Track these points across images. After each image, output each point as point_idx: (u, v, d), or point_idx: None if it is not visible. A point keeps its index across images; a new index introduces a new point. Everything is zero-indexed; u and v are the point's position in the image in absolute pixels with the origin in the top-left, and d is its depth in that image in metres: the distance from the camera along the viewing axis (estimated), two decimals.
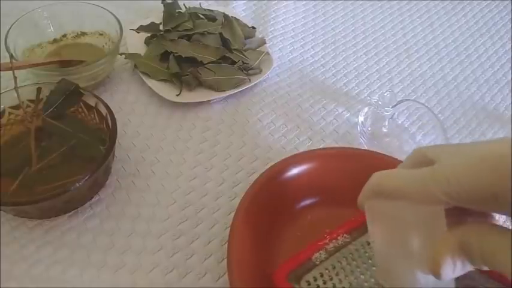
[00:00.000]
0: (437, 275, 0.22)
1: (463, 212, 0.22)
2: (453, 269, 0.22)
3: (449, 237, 0.22)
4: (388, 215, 0.25)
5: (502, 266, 0.20)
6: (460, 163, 0.21)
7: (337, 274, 0.33)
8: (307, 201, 0.41)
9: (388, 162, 0.42)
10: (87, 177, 0.36)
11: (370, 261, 0.33)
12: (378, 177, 0.25)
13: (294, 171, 0.41)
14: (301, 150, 0.48)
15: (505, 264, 0.19)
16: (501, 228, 0.21)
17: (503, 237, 0.20)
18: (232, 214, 0.36)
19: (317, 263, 0.34)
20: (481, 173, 0.20)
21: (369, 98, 0.55)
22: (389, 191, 0.24)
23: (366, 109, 0.50)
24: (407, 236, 0.25)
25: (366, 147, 0.47)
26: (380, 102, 0.50)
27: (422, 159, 0.24)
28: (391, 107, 0.50)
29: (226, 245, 0.35)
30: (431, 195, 0.21)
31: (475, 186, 0.20)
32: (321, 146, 0.49)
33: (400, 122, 0.53)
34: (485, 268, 0.21)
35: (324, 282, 0.32)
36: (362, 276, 0.32)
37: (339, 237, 0.35)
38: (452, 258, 0.22)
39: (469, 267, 0.22)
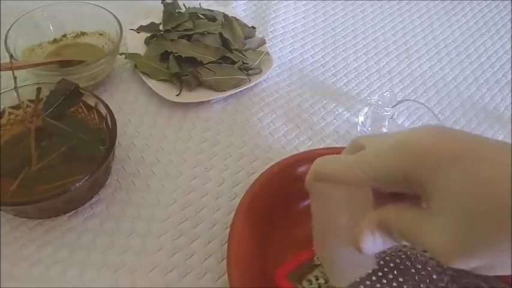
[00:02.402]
0: (358, 248, 0.24)
1: (397, 197, 0.24)
2: (374, 243, 0.24)
3: (371, 215, 0.24)
4: (325, 196, 0.27)
5: (417, 238, 0.22)
6: (378, 148, 0.24)
7: None
8: (307, 201, 0.41)
9: None
10: (87, 177, 0.36)
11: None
12: (318, 162, 0.27)
13: (294, 171, 0.41)
14: (301, 150, 0.48)
15: (420, 236, 0.22)
16: (417, 206, 0.23)
17: (418, 213, 0.22)
18: (232, 214, 0.36)
19: (318, 262, 0.34)
20: (390, 156, 0.23)
21: (369, 98, 0.55)
22: (326, 174, 0.26)
23: (366, 109, 0.50)
24: (337, 215, 0.27)
25: None
26: (380, 102, 0.50)
27: (357, 146, 0.26)
28: (391, 107, 0.50)
29: (226, 245, 0.35)
30: (357, 178, 0.24)
31: (387, 168, 0.23)
32: (321, 146, 0.49)
33: (400, 122, 0.53)
34: (404, 242, 0.24)
35: (326, 282, 0.32)
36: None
37: None
38: (372, 233, 0.24)
39: (390, 243, 0.24)
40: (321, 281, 0.32)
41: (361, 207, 0.25)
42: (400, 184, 0.23)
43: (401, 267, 0.33)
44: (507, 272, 0.21)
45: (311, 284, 0.32)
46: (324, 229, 0.29)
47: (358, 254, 0.25)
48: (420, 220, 0.22)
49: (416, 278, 0.32)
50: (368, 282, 0.32)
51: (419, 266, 0.33)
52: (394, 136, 0.23)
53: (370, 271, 0.32)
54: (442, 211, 0.21)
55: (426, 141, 0.22)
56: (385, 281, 0.32)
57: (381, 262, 0.33)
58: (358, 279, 0.32)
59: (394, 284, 0.32)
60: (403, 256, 0.33)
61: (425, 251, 0.33)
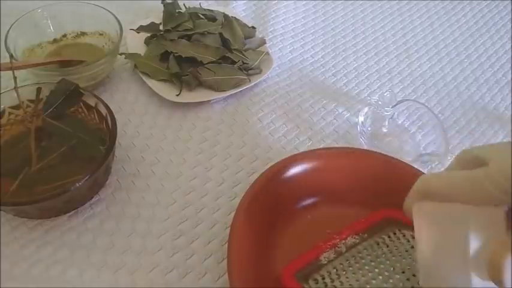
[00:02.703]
0: (499, 280, 0.20)
1: None
2: None
3: (510, 240, 0.21)
4: (440, 216, 0.24)
5: None
6: (508, 158, 0.20)
7: (344, 272, 0.33)
8: (307, 201, 0.41)
9: (387, 162, 0.42)
10: (87, 177, 0.36)
11: (378, 259, 0.33)
12: (426, 179, 0.24)
13: (294, 171, 0.41)
14: (301, 150, 0.48)
15: None
16: None
17: None
18: (232, 214, 0.36)
19: (325, 262, 0.34)
20: None
21: (369, 98, 0.55)
22: (441, 191, 0.23)
23: (366, 109, 0.50)
24: (461, 237, 0.23)
25: (365, 147, 0.47)
26: (380, 102, 0.50)
27: (472, 160, 0.24)
28: (391, 107, 0.50)
29: (226, 245, 0.35)
30: (487, 193, 0.21)
31: None
32: (321, 146, 0.49)
33: (400, 122, 0.53)
34: None
35: (332, 281, 0.32)
36: (370, 274, 0.32)
37: (348, 238, 0.35)
38: None
39: None
40: (327, 280, 0.32)
41: (492, 229, 0.22)
42: None
43: (408, 267, 0.32)
44: None
45: (317, 283, 0.32)
46: (443, 255, 0.24)
47: (489, 284, 0.22)
48: None
49: None
50: (374, 281, 0.31)
51: None
52: None
53: (380, 261, 0.31)
54: None
55: None
56: (391, 281, 0.31)
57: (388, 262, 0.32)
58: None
59: (401, 285, 0.31)
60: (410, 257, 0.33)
61: None
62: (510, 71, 0.62)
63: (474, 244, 0.23)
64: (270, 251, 0.37)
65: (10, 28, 0.47)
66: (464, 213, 0.23)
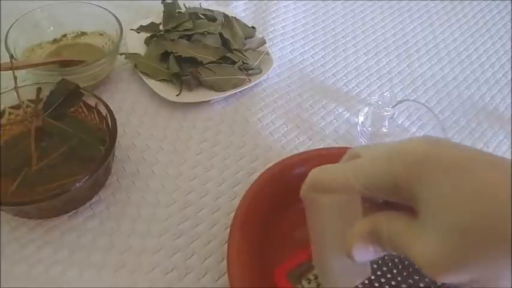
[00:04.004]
0: (350, 256, 0.24)
1: (389, 207, 0.24)
2: (365, 252, 0.24)
3: (362, 223, 0.24)
4: (318, 205, 0.27)
5: (405, 249, 0.22)
6: (373, 156, 0.24)
7: None
8: None
9: None
10: (87, 177, 0.36)
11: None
12: (313, 172, 0.27)
13: (294, 171, 0.41)
14: (301, 150, 0.48)
15: (408, 247, 0.21)
16: (408, 216, 0.22)
17: (408, 223, 0.22)
18: (232, 214, 0.36)
19: None
20: (383, 163, 0.22)
21: (369, 98, 0.55)
22: (320, 183, 0.26)
23: (366, 109, 0.50)
24: (329, 224, 0.27)
25: None
26: (380, 102, 0.50)
27: (353, 155, 0.26)
28: (391, 107, 0.50)
29: (226, 245, 0.35)
30: (350, 186, 0.24)
31: (380, 176, 0.22)
32: (321, 146, 0.49)
33: (400, 122, 0.53)
34: (394, 253, 0.23)
35: None
36: None
37: None
38: (364, 241, 0.24)
39: (381, 252, 0.24)
40: (320, 280, 0.33)
41: (350, 216, 0.25)
42: (392, 193, 0.22)
43: (400, 266, 0.33)
44: None
45: (310, 282, 0.32)
46: (318, 239, 0.29)
47: (352, 263, 0.25)
48: (410, 230, 0.22)
49: (416, 277, 0.32)
50: (366, 281, 0.32)
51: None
52: (390, 145, 0.23)
53: (365, 279, 0.32)
54: (431, 222, 0.20)
55: (420, 150, 0.21)
56: (383, 280, 0.32)
57: (379, 261, 0.33)
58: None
59: (393, 283, 0.32)
60: (401, 255, 0.33)
61: None
62: (510, 71, 0.62)
63: (334, 227, 0.26)
64: (270, 251, 0.37)
65: (10, 28, 0.47)
66: (329, 201, 0.26)
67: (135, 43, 0.55)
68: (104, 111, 0.41)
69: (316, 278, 0.33)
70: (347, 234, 0.24)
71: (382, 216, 0.24)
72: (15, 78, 0.41)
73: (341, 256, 0.25)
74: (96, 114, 0.43)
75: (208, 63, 0.51)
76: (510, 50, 0.66)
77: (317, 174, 0.27)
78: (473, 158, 0.21)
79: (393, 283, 0.32)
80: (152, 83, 0.50)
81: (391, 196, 0.23)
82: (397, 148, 0.22)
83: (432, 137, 0.22)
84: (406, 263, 0.33)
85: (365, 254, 0.24)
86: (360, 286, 0.32)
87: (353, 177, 0.24)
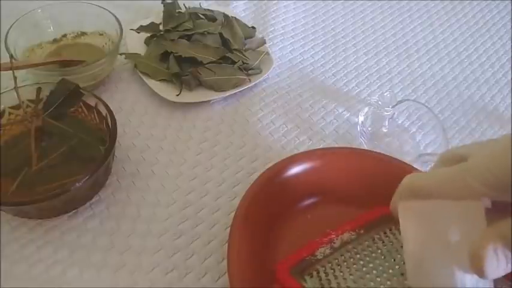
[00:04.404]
0: (480, 270, 0.21)
1: (505, 210, 0.22)
2: (496, 263, 0.21)
3: (490, 231, 0.21)
4: (424, 213, 0.25)
5: None
6: (488, 153, 0.21)
7: (339, 267, 0.33)
8: (307, 201, 0.41)
9: (388, 162, 0.42)
10: (87, 177, 0.36)
11: (373, 254, 0.33)
12: (412, 178, 0.25)
13: (294, 171, 0.41)
14: (301, 150, 0.48)
15: None
16: None
17: None
18: (232, 214, 0.36)
19: (320, 257, 0.34)
20: (505, 157, 0.20)
21: (369, 98, 0.55)
22: (425, 189, 0.24)
23: (366, 109, 0.50)
24: (445, 233, 0.24)
25: (366, 147, 0.47)
26: (380, 102, 0.50)
27: (454, 157, 0.24)
28: (391, 107, 0.50)
29: (226, 245, 0.35)
30: (469, 188, 0.21)
31: (503, 171, 0.20)
32: (321, 146, 0.49)
33: (400, 122, 0.53)
34: None
35: (327, 275, 0.32)
36: (364, 269, 0.32)
37: (344, 234, 0.35)
38: (494, 251, 0.21)
39: None
40: (322, 275, 0.33)
41: (472, 222, 0.22)
42: None
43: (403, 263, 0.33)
44: None
45: (312, 277, 0.32)
46: (428, 253, 0.25)
47: (473, 281, 0.22)
48: None
49: None
50: (379, 279, 0.31)
51: None
52: (502, 139, 0.21)
53: (376, 258, 0.31)
54: None
55: None
56: (389, 280, 0.32)
57: (392, 259, 0.33)
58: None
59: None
60: None
61: None
62: (510, 71, 0.62)
63: (456, 238, 0.23)
64: (270, 251, 0.37)
65: (10, 28, 0.47)
66: (446, 209, 0.23)
67: (135, 43, 0.55)
68: (104, 111, 0.41)
69: (318, 273, 0.33)
70: (472, 246, 0.21)
71: None
72: (15, 78, 0.41)
73: (461, 272, 0.23)
74: (96, 114, 0.43)
75: (208, 63, 0.51)
76: (510, 50, 0.66)
77: (415, 180, 0.25)
78: None
79: None
80: (152, 83, 0.50)
81: None
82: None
83: None
84: None
85: (497, 269, 0.21)
86: None
87: (472, 177, 0.21)
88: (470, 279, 0.23)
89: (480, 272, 0.21)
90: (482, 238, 0.21)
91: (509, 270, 0.21)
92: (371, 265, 0.33)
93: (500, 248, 0.21)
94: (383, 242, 0.34)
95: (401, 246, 0.33)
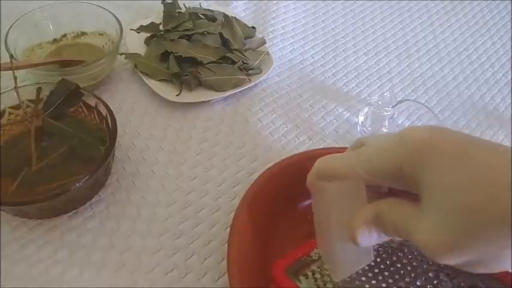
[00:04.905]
0: (354, 241, 0.25)
1: (393, 195, 0.25)
2: (369, 237, 0.25)
3: (366, 209, 0.25)
4: (323, 193, 0.28)
5: (408, 233, 0.22)
6: (378, 144, 0.25)
7: None
8: (307, 201, 0.41)
9: None
10: (87, 177, 0.36)
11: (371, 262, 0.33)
12: (320, 160, 0.28)
13: (294, 171, 0.41)
14: (301, 150, 0.48)
15: (411, 231, 0.22)
16: (411, 202, 0.23)
17: (411, 208, 0.23)
18: (232, 214, 0.36)
19: (315, 258, 0.34)
20: (387, 150, 0.23)
21: (369, 98, 0.55)
22: (326, 171, 0.27)
23: (366, 109, 0.50)
24: (333, 210, 0.28)
25: None
26: (380, 102, 0.50)
27: (359, 145, 0.27)
28: (391, 107, 0.50)
29: (226, 245, 0.35)
30: (355, 173, 0.24)
31: (384, 162, 0.23)
32: (321, 146, 0.49)
33: (400, 122, 0.53)
34: (398, 238, 0.24)
35: (322, 276, 0.32)
36: (359, 271, 0.32)
37: None
38: (368, 226, 0.25)
39: (385, 237, 0.25)
40: (317, 275, 0.33)
41: (355, 202, 0.26)
42: (395, 179, 0.23)
43: (398, 264, 0.33)
44: (492, 270, 0.21)
45: (307, 278, 0.32)
46: (323, 225, 0.29)
47: (355, 248, 0.26)
48: (412, 215, 0.23)
49: (412, 275, 0.32)
50: (364, 278, 0.32)
51: (416, 264, 0.33)
52: (394, 133, 0.24)
53: (367, 264, 0.32)
54: (433, 206, 0.21)
55: (423, 136, 0.22)
56: (381, 278, 0.32)
57: (378, 259, 0.33)
58: (354, 275, 0.32)
59: (390, 281, 0.32)
60: (399, 254, 0.33)
61: None
62: (510, 71, 0.62)
63: (339, 213, 0.27)
64: (270, 251, 0.37)
65: (10, 28, 0.47)
66: (337, 189, 0.27)
67: (135, 43, 0.55)
68: (104, 111, 0.41)
69: (313, 273, 0.33)
70: (351, 220, 0.25)
71: (385, 202, 0.24)
72: (15, 78, 0.41)
73: (346, 242, 0.26)
74: (96, 114, 0.43)
75: (208, 63, 0.51)
76: (510, 50, 0.66)
77: (323, 162, 0.27)
78: (474, 144, 0.21)
79: (390, 281, 0.32)
80: (152, 83, 0.50)
81: (395, 182, 0.24)
82: (400, 135, 0.23)
83: (435, 125, 0.23)
84: (405, 261, 0.33)
85: (369, 239, 0.25)
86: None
87: (358, 164, 0.24)
88: (352, 250, 0.28)
89: (355, 242, 0.25)
90: (358, 214, 0.25)
91: (381, 240, 0.25)
92: (366, 267, 0.33)
93: (373, 223, 0.25)
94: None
95: (396, 247, 0.34)
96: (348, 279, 0.32)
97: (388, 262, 0.33)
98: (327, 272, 0.33)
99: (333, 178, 0.27)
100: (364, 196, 0.26)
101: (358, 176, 0.24)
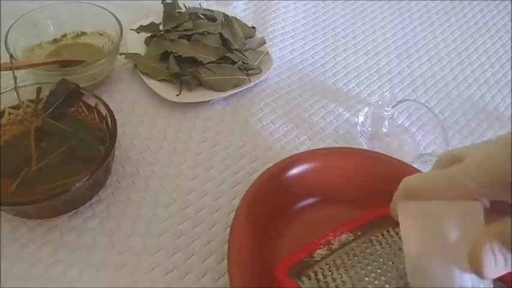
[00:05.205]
0: (478, 270, 0.21)
1: (503, 209, 0.22)
2: (494, 262, 0.21)
3: (488, 230, 0.22)
4: (423, 214, 0.25)
5: None
6: (484, 151, 0.22)
7: (337, 269, 0.33)
8: (307, 201, 0.41)
9: (387, 162, 0.42)
10: (87, 177, 0.36)
11: (371, 256, 0.33)
12: (410, 180, 0.25)
13: (294, 171, 0.41)
14: (301, 150, 0.48)
15: None
16: None
17: None
18: (232, 214, 0.36)
19: (318, 259, 0.34)
20: (501, 154, 0.20)
21: (369, 98, 0.55)
22: (423, 191, 0.24)
23: (366, 109, 0.50)
24: (444, 233, 0.24)
25: (366, 147, 0.47)
26: (380, 102, 0.50)
27: (451, 159, 0.25)
28: (391, 107, 0.50)
29: (226, 245, 0.35)
30: (465, 188, 0.22)
31: (498, 168, 0.20)
32: (321, 146, 0.49)
33: (400, 122, 0.53)
34: None
35: (325, 277, 0.32)
36: (363, 271, 0.32)
37: (342, 235, 0.35)
38: (492, 250, 0.21)
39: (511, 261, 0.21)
40: (320, 276, 0.32)
41: (471, 222, 0.22)
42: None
43: (401, 266, 0.33)
44: None
45: (310, 279, 0.32)
46: (427, 253, 0.25)
47: (473, 281, 0.22)
48: None
49: None
50: (367, 278, 0.32)
51: None
52: (501, 137, 0.22)
53: (373, 259, 0.31)
54: None
55: None
56: (383, 279, 0.32)
57: (382, 259, 0.33)
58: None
59: (394, 282, 0.31)
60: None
61: None
62: (510, 71, 0.62)
63: (455, 238, 0.24)
64: (270, 251, 0.37)
65: (10, 28, 0.47)
66: (445, 209, 0.24)
67: (135, 43, 0.55)
68: (104, 111, 0.41)
69: (316, 275, 0.33)
70: (470, 245, 0.22)
71: (510, 219, 0.21)
72: (15, 78, 0.41)
73: (460, 272, 0.23)
74: (96, 114, 0.43)
75: (208, 63, 0.51)
76: (510, 50, 0.66)
77: (413, 180, 0.25)
78: None
79: None
80: (152, 83, 0.50)
81: None
82: (505, 138, 0.21)
83: None
84: None
85: (495, 267, 0.21)
86: None
87: (465, 177, 0.22)
88: (469, 279, 0.23)
89: (479, 272, 0.21)
90: (480, 237, 0.21)
91: (508, 270, 0.21)
92: (369, 267, 0.32)
93: (498, 248, 0.21)
94: (380, 244, 0.34)
95: (400, 249, 0.33)
96: (359, 281, 0.31)
97: (391, 263, 0.33)
98: (330, 273, 0.33)
99: (429, 197, 0.24)
100: (482, 216, 0.23)
101: (467, 189, 0.22)
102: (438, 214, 0.24)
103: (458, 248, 0.23)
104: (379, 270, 0.32)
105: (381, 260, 0.33)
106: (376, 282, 0.31)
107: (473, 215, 0.23)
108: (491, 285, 0.24)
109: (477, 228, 0.22)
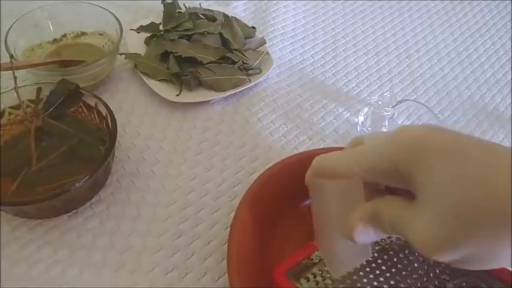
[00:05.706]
0: (351, 238, 0.25)
1: (390, 193, 0.26)
2: (366, 234, 0.25)
3: (364, 207, 0.25)
4: (321, 190, 0.28)
5: (403, 230, 0.23)
6: (374, 142, 0.25)
7: None
8: (307, 201, 0.41)
9: None
10: (87, 177, 0.36)
11: (370, 259, 0.33)
12: (318, 158, 0.28)
13: (294, 171, 0.41)
14: (301, 150, 0.48)
15: (406, 228, 0.22)
16: (407, 200, 0.23)
17: (407, 206, 0.23)
18: (232, 214, 0.36)
19: (316, 261, 0.34)
20: (384, 148, 0.23)
21: (369, 98, 0.55)
22: (324, 169, 0.27)
23: (366, 109, 0.50)
24: (331, 208, 0.28)
25: None
26: (380, 102, 0.50)
27: (357, 143, 0.28)
28: (391, 107, 0.50)
29: (226, 245, 0.35)
30: (352, 171, 0.25)
31: (380, 160, 0.23)
32: (321, 146, 0.49)
33: (400, 122, 0.53)
34: (395, 235, 0.26)
35: (323, 279, 0.32)
36: (361, 273, 0.32)
37: None
38: (364, 224, 0.25)
39: (382, 234, 0.25)
40: (319, 278, 0.33)
41: (353, 200, 0.26)
42: (391, 177, 0.23)
43: (399, 265, 0.33)
44: (486, 267, 0.22)
45: (309, 281, 0.32)
46: (321, 222, 0.30)
47: (353, 245, 0.26)
48: (408, 213, 0.23)
49: (414, 276, 0.32)
50: (365, 280, 0.32)
51: (417, 265, 0.33)
52: (390, 132, 0.24)
53: (365, 260, 0.32)
54: (427, 204, 0.21)
55: (419, 135, 0.22)
56: (382, 279, 0.32)
57: (379, 260, 0.33)
58: (355, 276, 0.32)
59: (392, 282, 0.32)
60: (401, 255, 0.33)
61: None
62: (510, 71, 0.62)
63: (337, 211, 0.27)
64: (270, 251, 0.37)
65: (10, 28, 0.47)
66: (335, 186, 0.27)
67: (135, 43, 0.55)
68: (104, 111, 0.41)
69: (314, 277, 0.33)
70: (349, 217, 0.25)
71: (382, 200, 0.25)
72: (15, 78, 0.41)
73: (342, 239, 0.26)
74: (96, 114, 0.43)
75: (208, 63, 0.51)
76: (510, 50, 0.66)
77: (321, 160, 0.28)
78: (469, 143, 0.22)
79: (392, 282, 0.32)
80: (152, 83, 0.50)
81: (391, 180, 0.24)
82: (397, 134, 0.23)
83: (430, 124, 0.23)
84: (406, 262, 0.33)
85: (365, 236, 0.25)
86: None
87: (355, 162, 0.25)
88: (350, 247, 0.28)
89: (352, 240, 0.25)
90: (356, 213, 0.25)
91: (378, 238, 0.26)
92: (368, 269, 0.33)
93: (370, 221, 0.25)
94: (379, 244, 0.34)
95: (399, 249, 0.34)
96: (349, 281, 0.32)
97: (389, 263, 0.33)
98: (328, 275, 0.33)
99: (330, 176, 0.27)
100: (362, 194, 0.26)
101: (355, 174, 0.25)
102: (329, 192, 0.27)
103: (342, 221, 0.26)
104: (377, 272, 0.32)
105: (379, 261, 0.33)
106: (375, 283, 0.32)
107: (354, 191, 0.26)
108: (370, 254, 0.30)
109: (357, 204, 0.26)
